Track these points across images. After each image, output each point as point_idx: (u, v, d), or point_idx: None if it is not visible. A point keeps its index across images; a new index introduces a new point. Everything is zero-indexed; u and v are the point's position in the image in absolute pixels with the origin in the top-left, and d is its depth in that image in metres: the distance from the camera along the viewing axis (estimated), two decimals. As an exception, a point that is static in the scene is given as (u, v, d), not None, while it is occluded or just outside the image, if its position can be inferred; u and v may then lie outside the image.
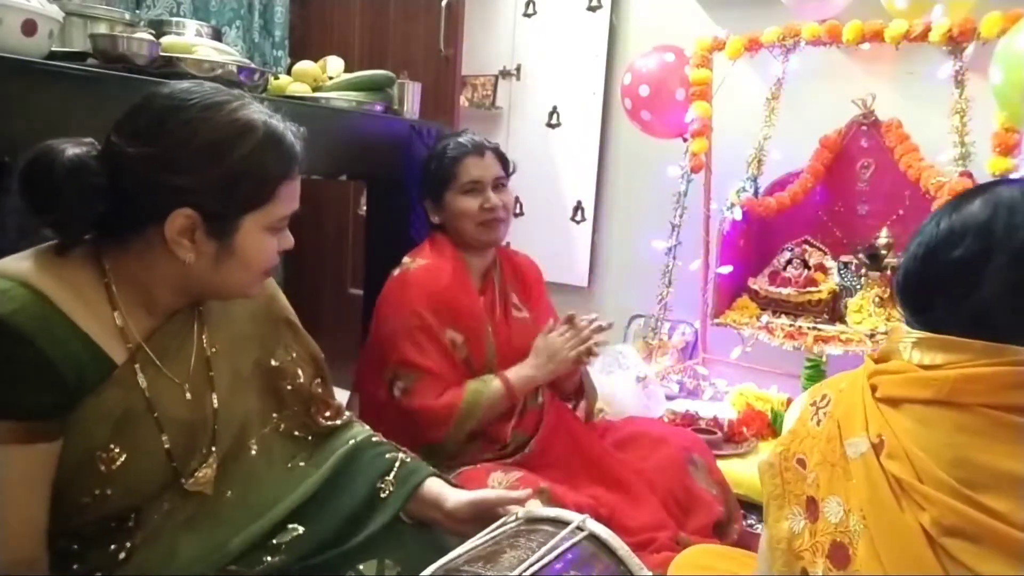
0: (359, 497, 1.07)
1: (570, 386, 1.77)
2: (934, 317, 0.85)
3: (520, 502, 1.03)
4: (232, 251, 0.91)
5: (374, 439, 1.16)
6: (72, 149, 0.84)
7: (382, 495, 1.08)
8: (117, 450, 0.87)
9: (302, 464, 1.09)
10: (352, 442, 1.13)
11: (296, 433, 1.11)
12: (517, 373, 1.54)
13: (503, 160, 1.68)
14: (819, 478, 0.87)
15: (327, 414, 1.14)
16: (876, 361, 0.91)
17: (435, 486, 1.10)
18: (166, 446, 0.92)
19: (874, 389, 0.88)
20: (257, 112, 0.91)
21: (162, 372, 0.93)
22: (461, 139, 1.65)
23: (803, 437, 0.92)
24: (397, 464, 1.11)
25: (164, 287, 0.92)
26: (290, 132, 0.94)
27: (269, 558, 0.99)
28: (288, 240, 0.99)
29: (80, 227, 0.86)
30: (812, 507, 0.87)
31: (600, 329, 1.58)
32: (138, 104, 0.88)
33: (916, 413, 0.83)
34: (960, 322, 0.83)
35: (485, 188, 1.61)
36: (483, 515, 1.02)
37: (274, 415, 1.09)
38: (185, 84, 0.92)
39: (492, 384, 1.53)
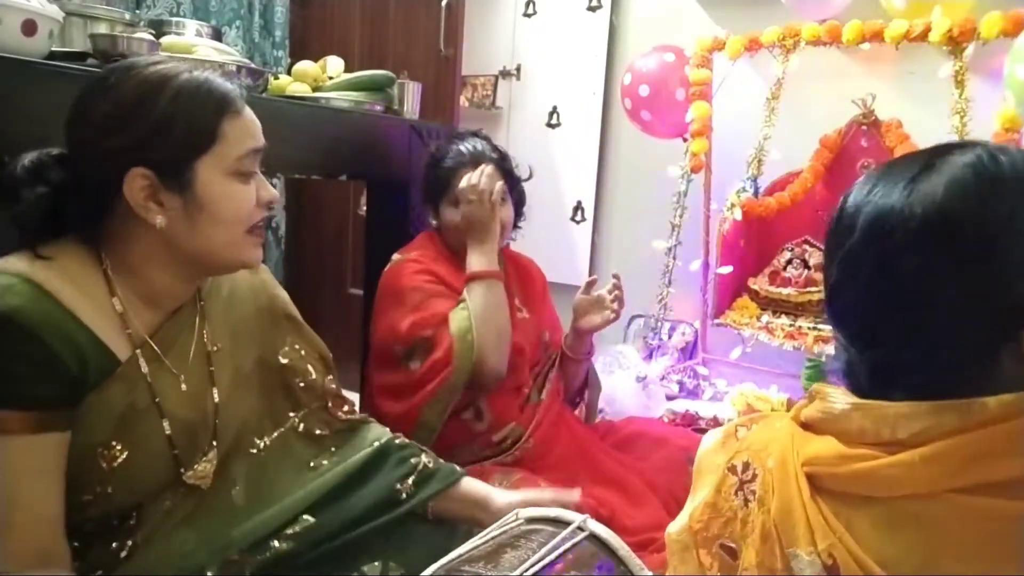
0: (376, 496, 1.08)
1: (579, 377, 1.75)
2: (884, 347, 0.67)
3: (571, 505, 1.02)
4: (199, 202, 0.90)
5: (397, 441, 1.17)
6: (32, 155, 0.88)
7: (400, 496, 1.09)
8: (119, 447, 0.88)
9: (325, 463, 1.10)
10: (376, 444, 1.14)
11: (317, 432, 1.12)
12: (469, 261, 1.52)
13: (506, 172, 1.64)
14: None
15: (344, 408, 1.16)
16: (803, 426, 0.72)
17: (477, 486, 1.13)
18: (168, 436, 0.92)
19: (812, 479, 0.68)
20: (178, 65, 0.93)
21: (165, 368, 0.93)
22: (463, 146, 1.63)
23: (726, 516, 0.73)
24: (420, 467, 1.13)
25: (156, 267, 0.92)
26: (218, 76, 0.94)
27: (276, 543, 0.99)
28: (268, 191, 0.97)
29: (38, 219, 0.88)
30: None
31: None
32: (76, 96, 0.90)
33: (875, 514, 0.64)
34: (917, 354, 0.64)
35: None
36: None
37: (291, 414, 1.10)
38: (112, 64, 0.94)
39: (467, 293, 1.49)
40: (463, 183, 1.52)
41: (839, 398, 0.68)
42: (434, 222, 1.66)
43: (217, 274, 1.02)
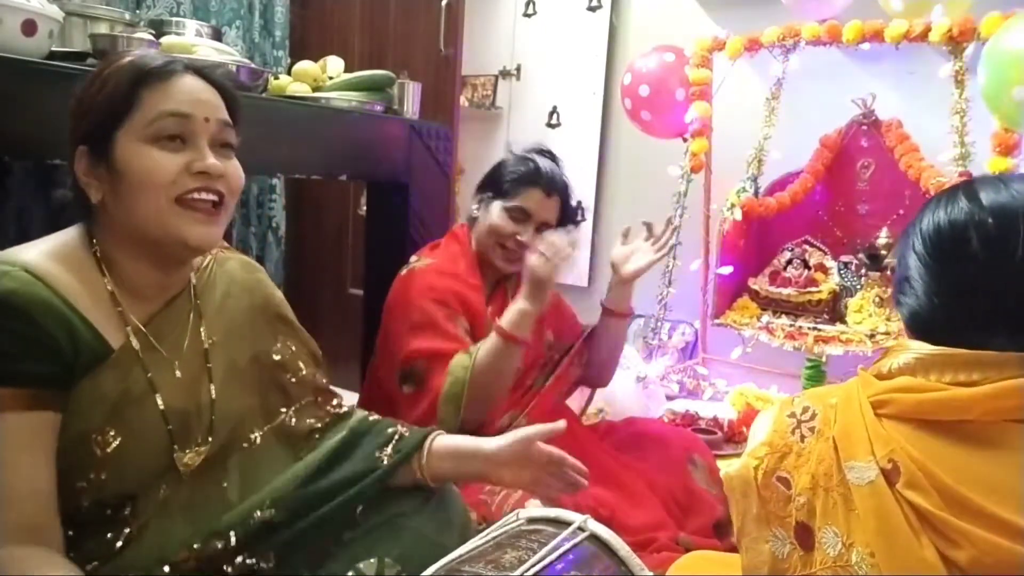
0: (359, 467, 1.07)
1: (618, 337, 1.77)
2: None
3: (553, 433, 1.09)
4: (119, 172, 0.90)
5: (371, 418, 1.17)
6: None
7: (381, 463, 1.07)
8: (112, 433, 0.88)
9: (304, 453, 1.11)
10: (353, 425, 1.14)
11: (309, 424, 1.12)
12: (507, 314, 1.46)
13: (566, 210, 1.65)
14: (811, 504, 0.79)
15: (333, 402, 1.16)
16: (879, 378, 0.82)
17: (459, 439, 1.13)
18: (162, 424, 0.93)
19: (878, 406, 0.78)
20: (132, 53, 0.98)
21: (159, 357, 0.95)
22: (544, 164, 1.62)
23: (783, 452, 0.82)
24: (396, 435, 1.11)
25: (128, 256, 0.94)
26: (159, 54, 0.98)
27: (259, 512, 0.99)
28: (201, 161, 0.92)
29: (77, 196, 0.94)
30: (804, 534, 0.79)
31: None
32: None
33: (935, 432, 0.75)
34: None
35: (529, 222, 1.58)
36: (525, 453, 1.08)
37: (283, 410, 1.10)
38: None
39: (487, 340, 1.44)
40: (546, 241, 1.45)
41: (926, 346, 0.78)
42: (475, 208, 1.64)
43: (172, 257, 0.96)
